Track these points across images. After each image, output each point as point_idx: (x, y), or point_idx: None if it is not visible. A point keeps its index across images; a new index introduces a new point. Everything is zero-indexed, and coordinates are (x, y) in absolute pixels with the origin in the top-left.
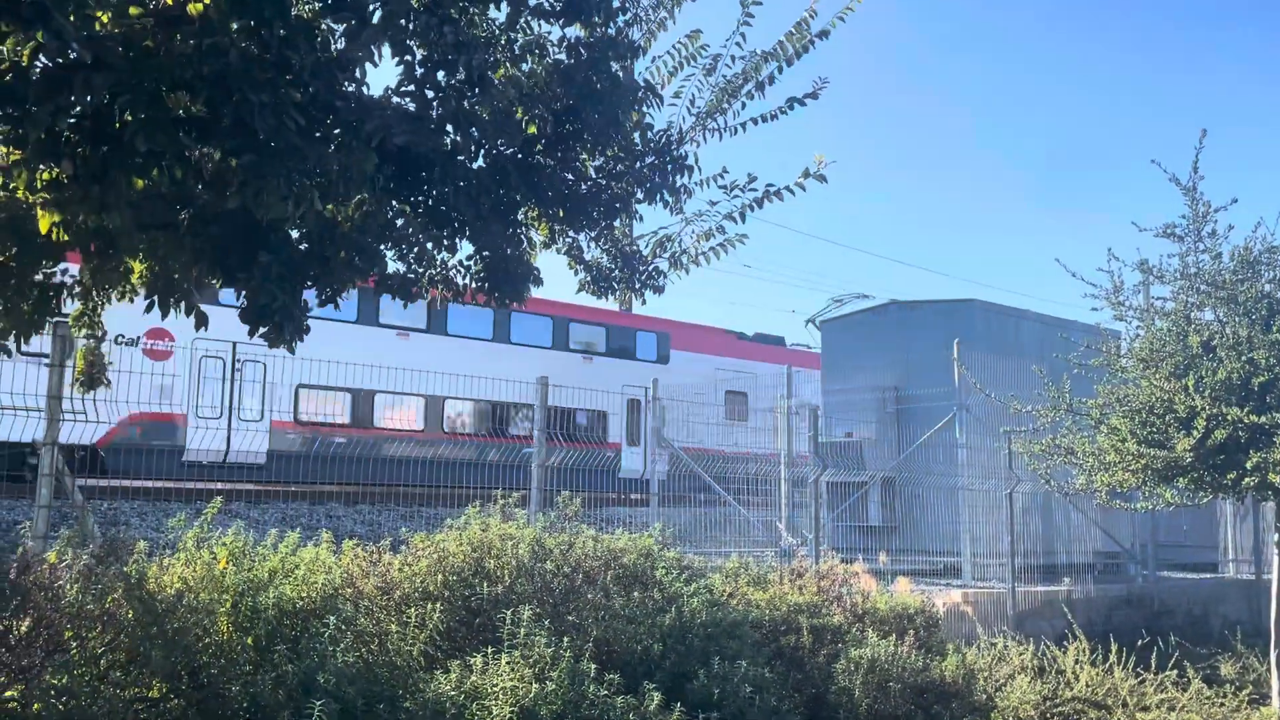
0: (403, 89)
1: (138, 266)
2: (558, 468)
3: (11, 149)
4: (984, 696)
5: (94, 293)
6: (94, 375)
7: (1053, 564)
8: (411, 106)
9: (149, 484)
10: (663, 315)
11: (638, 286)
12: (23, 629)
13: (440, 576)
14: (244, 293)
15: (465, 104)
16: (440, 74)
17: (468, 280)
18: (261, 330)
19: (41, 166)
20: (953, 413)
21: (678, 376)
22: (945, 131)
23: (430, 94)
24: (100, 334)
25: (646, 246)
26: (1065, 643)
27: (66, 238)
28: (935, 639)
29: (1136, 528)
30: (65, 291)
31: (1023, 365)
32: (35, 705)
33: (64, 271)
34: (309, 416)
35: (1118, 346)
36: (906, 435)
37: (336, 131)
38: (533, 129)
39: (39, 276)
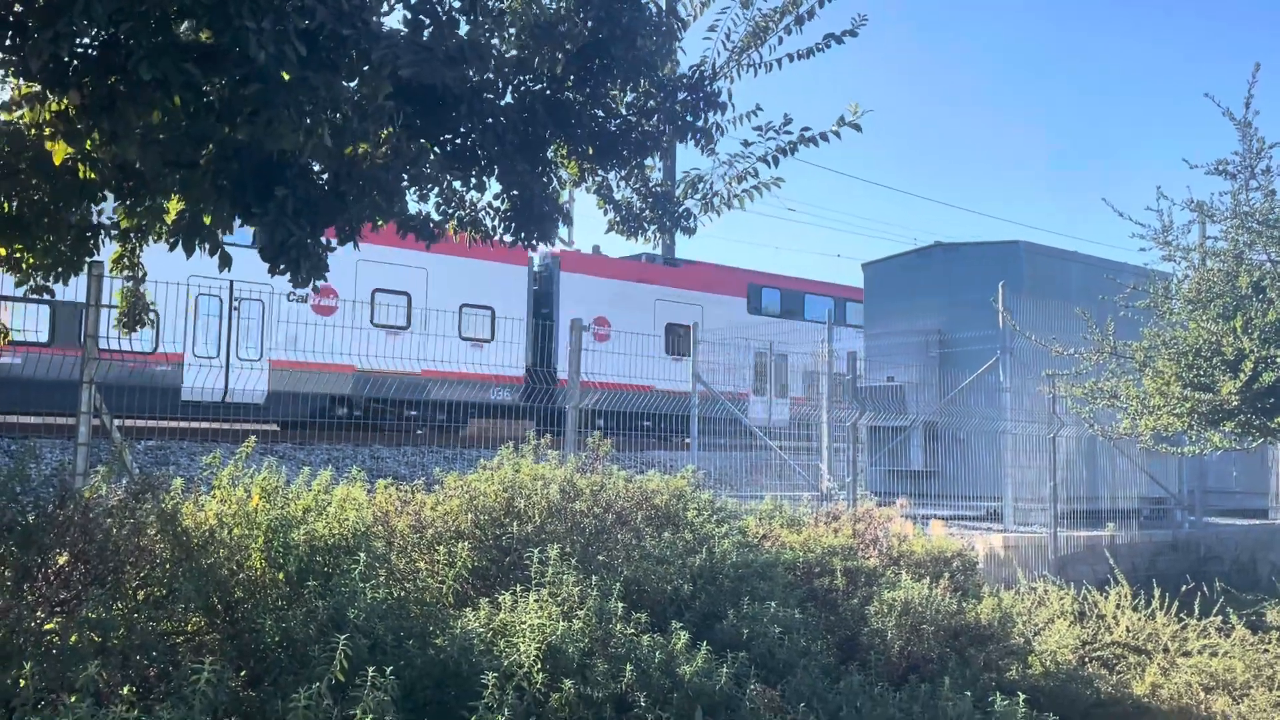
0: (394, 11)
1: (174, 207)
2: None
3: (22, 81)
4: (1021, 640)
5: (131, 234)
6: (135, 316)
7: (1096, 509)
8: (403, 33)
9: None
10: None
11: (668, 226)
12: (60, 562)
13: (471, 516)
14: (261, 230)
15: (463, 34)
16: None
17: (496, 221)
18: (280, 267)
19: (51, 97)
20: (996, 356)
21: None
22: (992, 73)
23: (428, 20)
24: (140, 275)
25: (678, 187)
26: (1107, 588)
27: (94, 176)
28: (972, 583)
29: (1184, 473)
30: (103, 233)
31: (1069, 308)
32: (73, 638)
33: (100, 213)
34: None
35: (1166, 288)
36: (949, 379)
37: (347, 61)
38: (544, 66)
39: (76, 218)
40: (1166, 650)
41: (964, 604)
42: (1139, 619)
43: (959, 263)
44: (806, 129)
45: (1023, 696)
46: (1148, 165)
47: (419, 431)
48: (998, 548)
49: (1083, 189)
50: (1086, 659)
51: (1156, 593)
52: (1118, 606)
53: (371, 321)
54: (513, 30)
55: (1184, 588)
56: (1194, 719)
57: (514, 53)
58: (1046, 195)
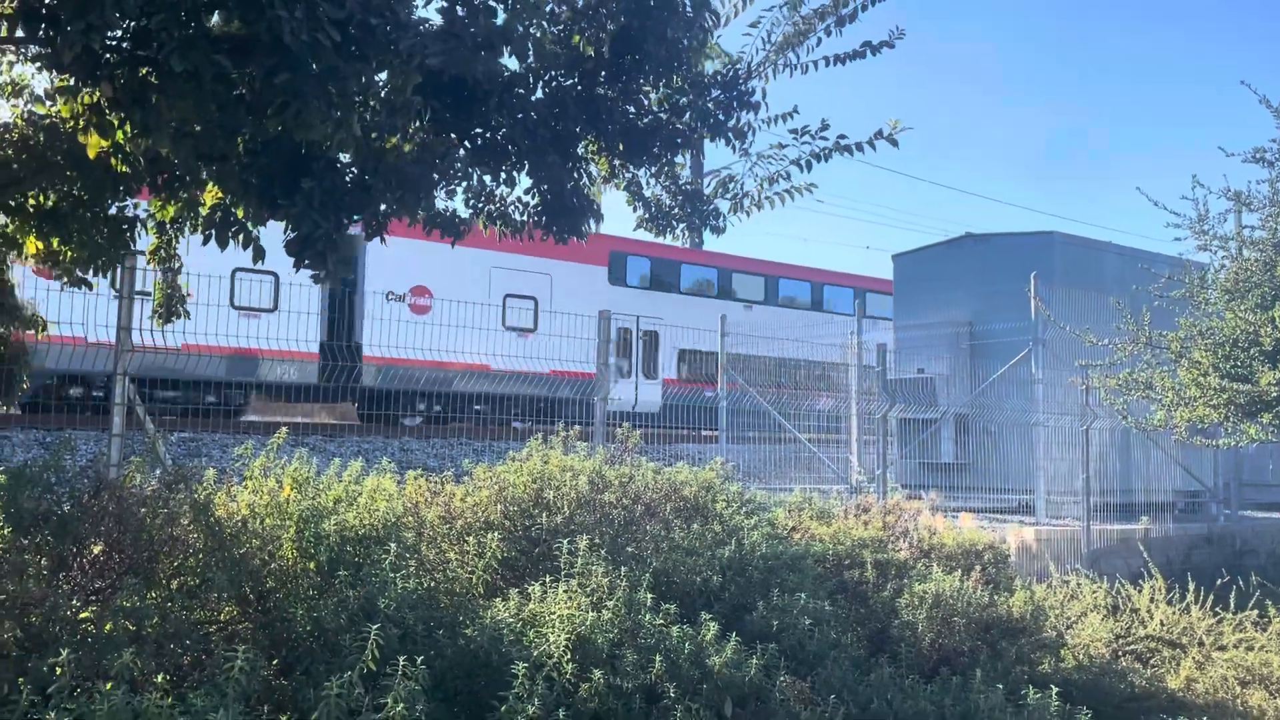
0: (436, 4)
1: (210, 199)
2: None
3: (56, 74)
4: (1054, 633)
5: (168, 227)
6: (172, 308)
7: (1130, 502)
8: (438, 21)
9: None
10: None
11: (697, 225)
12: (95, 551)
13: (500, 507)
14: (288, 223)
15: (496, 23)
16: None
17: (525, 216)
18: (306, 261)
19: (84, 90)
20: (1028, 347)
21: None
22: (1024, 62)
23: (462, 10)
24: (177, 267)
25: (709, 186)
26: (1141, 582)
27: (127, 169)
28: (1004, 575)
29: (1219, 466)
30: (139, 225)
31: (1103, 299)
32: (108, 626)
33: (135, 205)
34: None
35: (1202, 278)
36: (981, 371)
37: (376, 51)
38: (589, 50)
39: (112, 211)
40: (1202, 644)
41: (995, 597)
42: (1173, 613)
43: (990, 254)
44: (843, 136)
45: (1055, 690)
46: (1184, 154)
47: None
48: (1030, 541)
49: (1116, 179)
50: (1120, 653)
51: (1191, 586)
52: (1152, 600)
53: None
54: (546, 23)
55: (1219, 581)
56: (1230, 714)
57: (550, 45)
58: (1078, 186)
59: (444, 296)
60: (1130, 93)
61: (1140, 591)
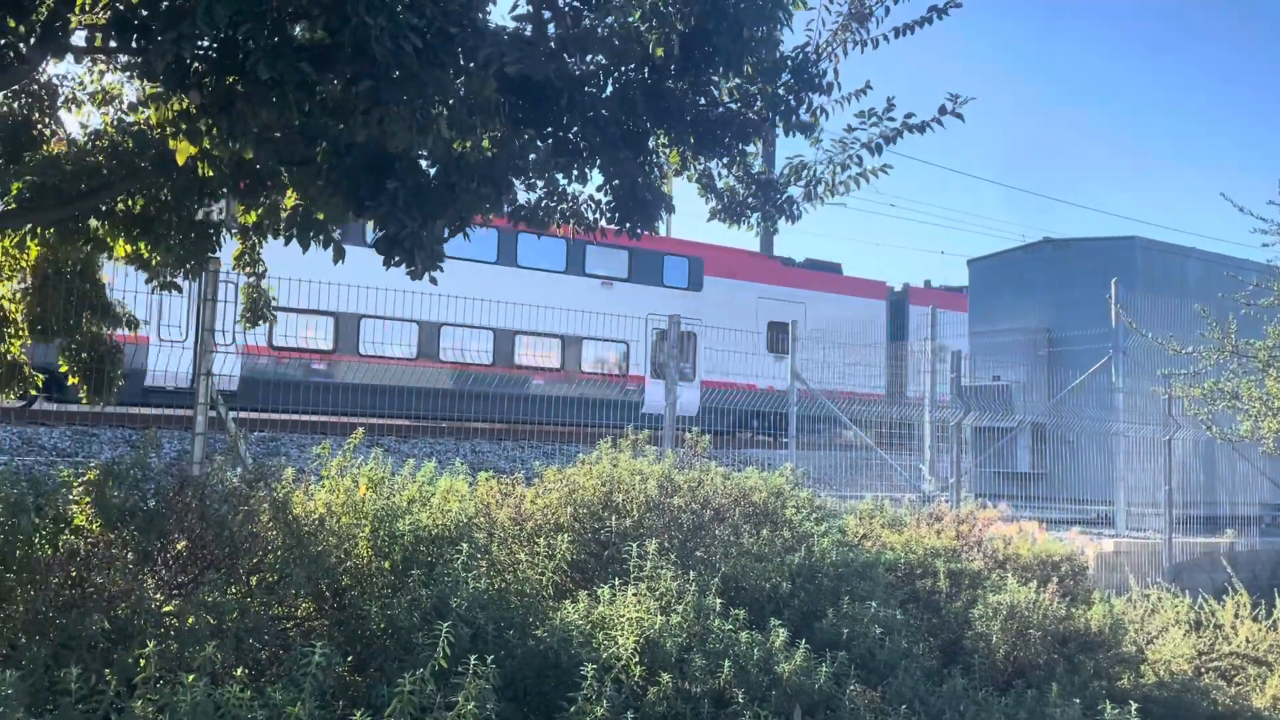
0: (517, 12)
1: (290, 203)
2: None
3: (147, 82)
4: (1133, 648)
5: (251, 231)
6: (258, 311)
7: (1214, 515)
8: (528, 30)
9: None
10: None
11: (772, 213)
12: (179, 547)
13: (570, 509)
14: (375, 223)
15: (583, 25)
16: None
17: (597, 214)
18: (396, 260)
19: (173, 97)
20: (1108, 355)
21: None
22: (1106, 63)
23: (548, 14)
24: (262, 271)
25: (781, 175)
26: (1225, 597)
27: (212, 174)
28: (1081, 588)
29: None
30: (224, 229)
31: (1187, 306)
32: (190, 619)
33: (220, 210)
34: None
35: None
36: (1058, 379)
37: (454, 58)
38: (659, 51)
39: (198, 215)
40: None
41: (1073, 609)
42: (1260, 629)
43: (1070, 259)
44: (910, 115)
45: (1135, 705)
46: (1271, 159)
47: None
48: (1109, 553)
49: (1202, 183)
50: (1203, 669)
51: (1279, 602)
52: (1236, 615)
53: None
54: (622, 20)
55: None
56: None
57: (617, 42)
58: (1162, 190)
59: None
60: (1213, 98)
61: (1224, 607)
